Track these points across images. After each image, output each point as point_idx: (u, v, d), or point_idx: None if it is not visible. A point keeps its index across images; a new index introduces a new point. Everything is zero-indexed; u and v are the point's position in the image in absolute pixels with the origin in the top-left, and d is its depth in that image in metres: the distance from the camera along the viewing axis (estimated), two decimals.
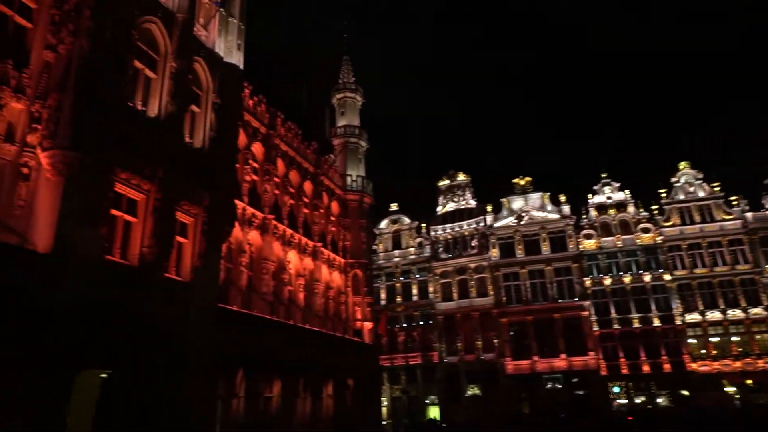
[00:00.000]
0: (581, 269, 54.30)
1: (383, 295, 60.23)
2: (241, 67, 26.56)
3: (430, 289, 59.01)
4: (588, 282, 53.75)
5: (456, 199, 61.37)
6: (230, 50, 26.03)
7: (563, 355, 51.61)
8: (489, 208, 59.14)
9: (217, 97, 24.43)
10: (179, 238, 21.33)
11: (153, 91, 21.14)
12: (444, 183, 62.44)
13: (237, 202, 26.00)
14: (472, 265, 57.94)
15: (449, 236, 60.07)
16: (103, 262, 17.23)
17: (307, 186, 36.80)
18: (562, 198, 57.55)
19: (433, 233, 60.88)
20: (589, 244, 55.09)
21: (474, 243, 58.63)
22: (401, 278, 60.68)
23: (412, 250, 61.33)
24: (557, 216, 56.69)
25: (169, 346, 19.20)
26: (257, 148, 30.98)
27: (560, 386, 51.15)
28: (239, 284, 27.07)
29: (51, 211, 15.99)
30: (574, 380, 51.04)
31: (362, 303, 41.29)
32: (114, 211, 18.24)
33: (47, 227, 15.78)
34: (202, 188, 22.23)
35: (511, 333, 54.41)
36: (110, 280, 17.15)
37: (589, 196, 57.37)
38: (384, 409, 51.73)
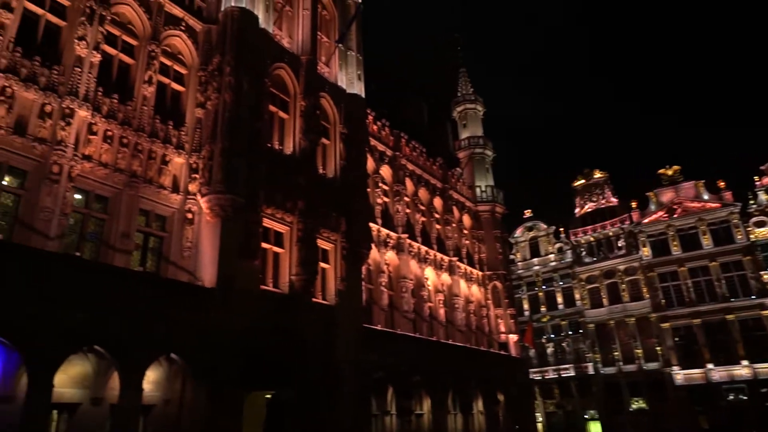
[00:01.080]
0: (755, 262, 47.41)
1: (526, 306, 57.99)
2: (363, 95, 27.74)
3: (577, 296, 55.59)
4: (766, 276, 46.74)
5: (595, 199, 57.54)
6: (351, 81, 27.34)
7: (745, 362, 45.12)
8: (634, 205, 54.43)
9: (344, 128, 25.74)
10: (322, 264, 22.66)
11: (287, 130, 22.93)
12: (579, 183, 58.96)
13: (371, 225, 26.97)
14: (621, 267, 53.56)
15: (591, 238, 56.32)
16: (259, 292, 18.86)
17: (437, 202, 37.00)
18: (721, 184, 51.03)
19: (573, 237, 57.55)
20: (762, 233, 48.02)
21: (621, 243, 54.28)
22: (543, 287, 58.03)
23: (552, 256, 58.49)
24: (718, 204, 50.37)
25: (323, 366, 20.33)
26: (385, 171, 31.97)
27: (745, 398, 44.72)
28: (381, 304, 27.89)
29: (212, 249, 17.94)
30: (763, 390, 44.30)
31: (505, 315, 40.14)
32: (264, 245, 19.93)
33: (211, 264, 17.70)
34: (339, 215, 23.46)
35: (677, 339, 49.03)
36: (266, 307, 18.71)
37: (756, 178, 50.02)
38: (539, 425, 49.39)
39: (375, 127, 31.70)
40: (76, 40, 16.74)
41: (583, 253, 56.32)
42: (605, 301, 53.81)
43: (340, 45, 27.17)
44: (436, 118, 49.45)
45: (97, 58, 17.16)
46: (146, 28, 19.54)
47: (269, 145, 21.48)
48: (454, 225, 37.73)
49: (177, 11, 20.58)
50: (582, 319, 54.55)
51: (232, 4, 20.95)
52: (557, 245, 58.57)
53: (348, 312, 22.67)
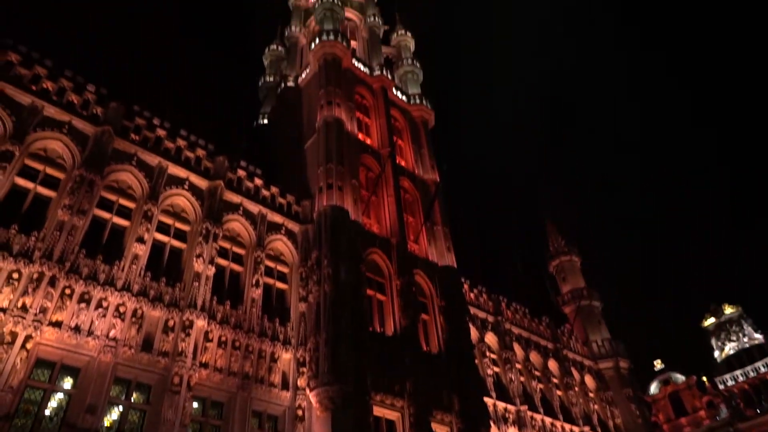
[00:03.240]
0: None
1: None
2: (455, 266, 27.99)
3: None
4: None
5: (734, 338, 50.64)
6: (442, 254, 27.92)
7: None
8: None
9: (441, 300, 25.63)
10: None
11: (386, 312, 23.17)
12: (709, 323, 52.76)
13: (486, 399, 25.06)
14: None
15: (746, 386, 48.30)
16: None
17: (552, 365, 34.23)
18: None
19: (721, 386, 49.72)
20: None
21: None
22: None
23: (702, 413, 50.18)
24: None
25: None
26: (491, 338, 30.64)
27: None
28: None
29: None
30: None
31: None
32: None
33: None
34: (450, 392, 22.15)
35: None
36: None
37: None
38: None
39: (472, 295, 31.31)
40: (194, 258, 18.85)
41: (742, 404, 47.95)
42: None
43: (427, 222, 28.42)
44: (533, 275, 48.35)
45: (211, 270, 19.06)
46: (252, 237, 21.78)
47: (371, 329, 21.62)
48: (576, 389, 34.18)
49: (278, 218, 22.96)
50: None
51: (324, 203, 23.10)
52: (705, 399, 50.53)
53: None
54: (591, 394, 35.83)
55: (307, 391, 18.50)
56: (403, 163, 30.49)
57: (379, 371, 19.84)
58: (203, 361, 17.16)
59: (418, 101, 34.29)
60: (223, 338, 18.13)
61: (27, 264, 15.04)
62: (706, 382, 51.81)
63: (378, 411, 19.46)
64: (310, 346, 19.38)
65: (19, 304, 14.31)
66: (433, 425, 20.81)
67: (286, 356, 19.43)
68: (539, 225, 51.20)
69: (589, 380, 36.78)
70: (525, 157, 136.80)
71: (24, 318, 14.14)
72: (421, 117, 33.85)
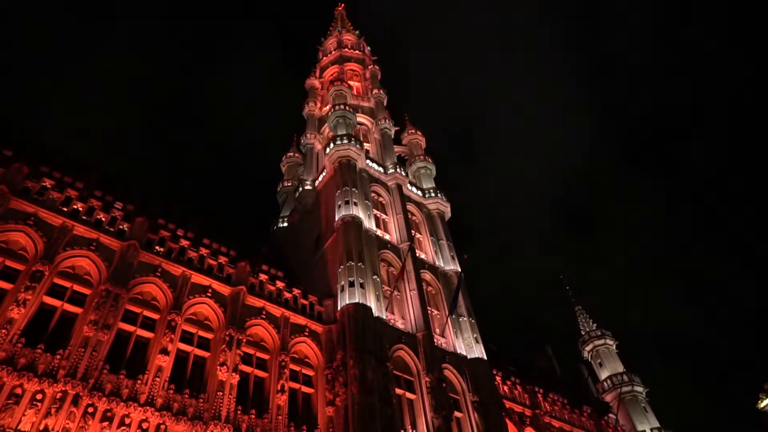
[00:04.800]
0: None
1: None
2: (485, 357, 26.99)
3: None
4: None
5: None
6: (470, 346, 27.05)
7: None
8: None
9: (474, 395, 24.46)
10: None
11: (417, 411, 22.10)
12: (766, 404, 49.08)
13: None
14: None
15: None
16: None
17: None
18: None
19: None
20: None
21: None
22: None
23: None
24: None
25: None
26: None
27: None
28: None
29: None
30: None
31: None
32: None
33: None
34: None
35: None
36: None
37: None
38: None
39: (506, 388, 29.83)
40: (218, 366, 18.54)
41: None
42: None
43: (452, 315, 27.87)
44: (568, 364, 46.19)
45: (235, 378, 18.64)
46: (275, 341, 21.49)
47: (402, 431, 20.52)
48: None
49: (300, 320, 22.76)
50: None
51: (347, 301, 22.95)
52: None
53: None
54: None
55: None
56: (423, 256, 30.55)
57: None
58: None
59: (433, 195, 35.02)
60: None
61: (51, 384, 14.91)
62: None
63: None
64: None
65: (41, 427, 14.01)
66: None
67: None
68: (568, 310, 49.71)
69: None
70: (548, 243, 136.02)
71: None
72: (437, 210, 34.39)
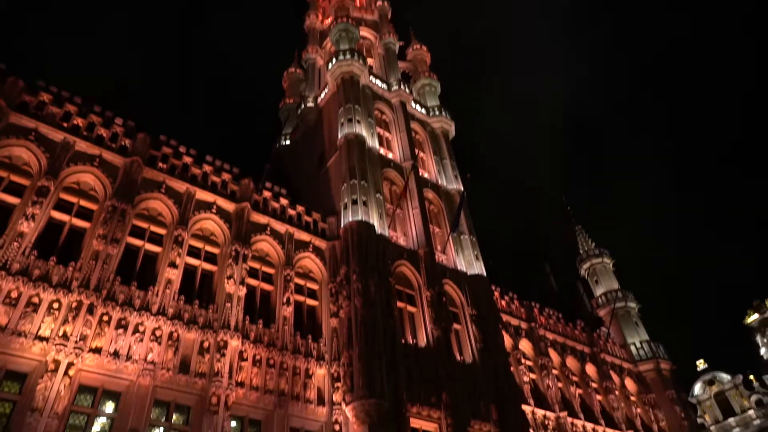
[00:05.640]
0: None
1: None
2: (485, 274, 27.77)
3: None
4: None
5: None
6: (470, 263, 27.76)
7: None
8: None
9: (472, 309, 25.45)
10: None
11: (418, 323, 23.10)
12: (753, 319, 51.04)
13: (524, 407, 24.66)
14: None
15: None
16: None
17: (590, 369, 33.50)
18: None
19: None
20: None
21: None
22: None
23: (751, 412, 48.27)
24: None
25: None
26: (525, 345, 30.22)
27: None
28: None
29: None
30: None
31: None
32: None
33: None
34: (487, 402, 21.88)
35: None
36: None
37: None
38: None
39: (504, 303, 30.99)
40: (226, 279, 19.20)
41: None
42: None
43: (453, 233, 28.36)
44: (564, 281, 47.57)
45: (243, 291, 19.35)
46: (280, 256, 22.07)
47: (403, 341, 21.57)
48: (617, 393, 33.34)
49: (305, 236, 23.22)
50: None
51: (350, 219, 23.30)
52: (754, 397, 48.64)
53: None
54: (632, 398, 34.91)
55: (343, 405, 18.53)
56: (426, 175, 30.59)
57: (413, 383, 19.75)
58: (239, 380, 17.34)
59: (437, 113, 34.46)
60: (258, 357, 18.32)
61: (66, 294, 15.54)
62: (754, 380, 50.05)
63: (415, 423, 19.34)
64: (343, 361, 19.43)
65: (60, 333, 14.76)
66: None
67: (320, 372, 19.52)
68: (568, 229, 50.38)
69: (629, 383, 35.87)
70: (549, 163, 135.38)
71: (65, 346, 14.56)
72: (441, 128, 33.98)
